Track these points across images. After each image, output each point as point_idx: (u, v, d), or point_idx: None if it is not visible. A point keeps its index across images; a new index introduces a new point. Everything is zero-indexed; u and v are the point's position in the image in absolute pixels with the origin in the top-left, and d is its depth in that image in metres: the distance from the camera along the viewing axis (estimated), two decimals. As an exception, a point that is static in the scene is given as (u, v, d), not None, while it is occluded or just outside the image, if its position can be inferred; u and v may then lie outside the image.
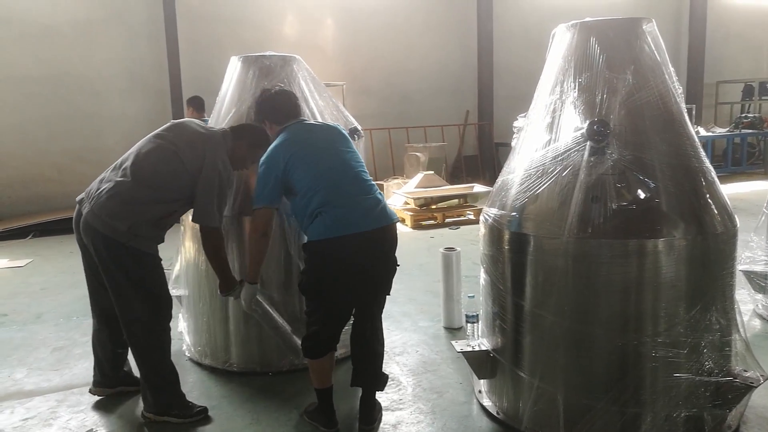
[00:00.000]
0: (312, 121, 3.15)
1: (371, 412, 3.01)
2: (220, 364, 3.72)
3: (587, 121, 2.70)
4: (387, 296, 3.08)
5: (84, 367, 3.87)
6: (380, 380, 3.07)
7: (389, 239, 2.91)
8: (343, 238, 2.76)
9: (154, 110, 10.69)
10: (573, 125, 2.78)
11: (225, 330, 3.69)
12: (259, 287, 3.25)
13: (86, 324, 4.64)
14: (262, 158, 2.99)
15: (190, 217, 3.26)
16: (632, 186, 2.62)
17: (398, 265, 3.02)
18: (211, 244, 3.14)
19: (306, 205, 2.86)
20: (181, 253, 3.91)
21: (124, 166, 3.06)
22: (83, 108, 10.21)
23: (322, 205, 2.81)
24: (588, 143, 2.67)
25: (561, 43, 3.01)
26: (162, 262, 3.13)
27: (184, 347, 3.97)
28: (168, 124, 3.29)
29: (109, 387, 3.41)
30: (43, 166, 10.11)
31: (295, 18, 11.44)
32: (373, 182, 3.00)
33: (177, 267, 4.02)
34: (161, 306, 3.09)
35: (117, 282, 3.00)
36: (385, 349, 3.20)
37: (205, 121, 6.85)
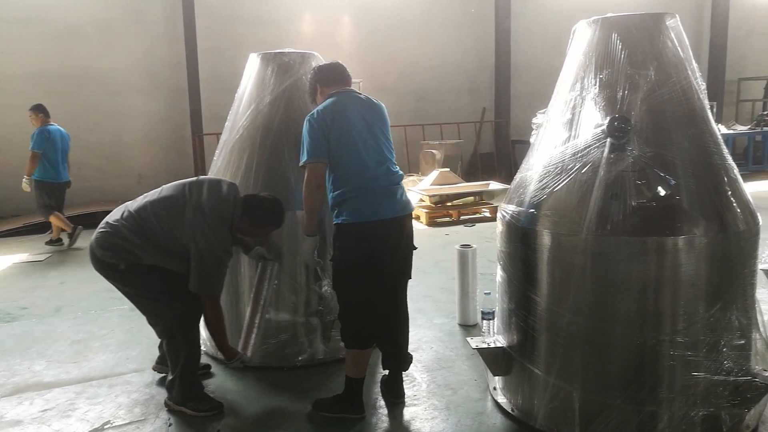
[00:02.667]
0: (362, 94, 3.19)
1: (400, 388, 3.26)
2: (236, 359, 3.74)
3: (608, 118, 2.67)
4: (409, 280, 3.25)
5: (102, 359, 3.93)
6: (406, 361, 3.29)
7: (409, 225, 3.14)
8: (375, 223, 2.93)
9: (171, 108, 10.80)
10: (593, 122, 2.75)
11: (240, 325, 3.71)
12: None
13: (104, 317, 4.72)
14: (309, 116, 3.01)
15: None
16: (653, 183, 2.59)
17: (416, 248, 3.21)
18: (205, 312, 3.13)
19: (335, 180, 2.98)
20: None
21: (136, 206, 3.14)
22: (103, 106, 10.34)
23: (354, 189, 2.94)
24: (608, 140, 2.64)
25: (582, 39, 2.98)
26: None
27: (200, 341, 3.99)
28: (194, 179, 3.26)
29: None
30: (64, 162, 10.24)
31: (312, 17, 11.47)
32: (400, 172, 3.13)
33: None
34: (166, 307, 3.11)
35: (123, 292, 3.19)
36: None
37: (50, 126, 7.30)
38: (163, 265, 3.07)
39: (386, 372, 3.31)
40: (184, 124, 10.85)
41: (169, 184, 3.24)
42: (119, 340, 4.25)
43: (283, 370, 3.63)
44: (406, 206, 3.10)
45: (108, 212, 3.25)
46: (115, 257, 3.04)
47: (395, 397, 3.23)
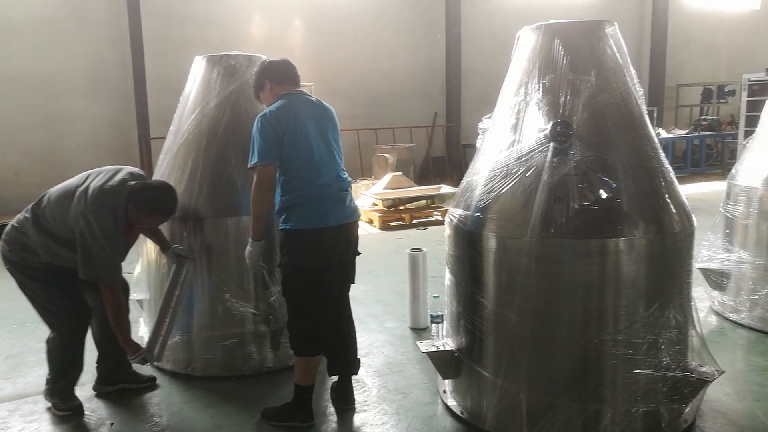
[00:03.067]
0: (312, 97, 3.13)
1: (350, 394, 3.23)
2: (181, 369, 3.65)
3: (550, 122, 2.72)
4: (352, 285, 3.25)
5: (39, 375, 3.74)
6: (356, 365, 3.26)
7: (356, 231, 3.14)
8: (324, 230, 2.89)
9: (117, 111, 10.46)
10: (537, 126, 2.80)
11: (187, 334, 3.61)
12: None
13: (42, 330, 4.45)
14: (262, 117, 2.91)
15: None
16: (594, 186, 2.65)
17: (359, 253, 3.21)
18: (103, 300, 3.05)
19: (284, 184, 2.91)
20: (142, 256, 3.83)
21: (39, 198, 3.14)
22: (43, 108, 9.92)
23: (305, 195, 2.89)
24: (551, 144, 2.69)
25: (526, 45, 3.03)
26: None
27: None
28: (100, 168, 3.21)
29: (111, 384, 3.46)
30: (1, 167, 9.80)
31: (263, 19, 11.33)
32: (349, 178, 3.12)
33: (137, 270, 3.93)
34: (48, 314, 3.16)
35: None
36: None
37: None
38: (57, 261, 3.01)
39: (335, 378, 3.27)
40: (131, 128, 10.53)
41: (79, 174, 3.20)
42: (58, 352, 4.07)
43: (231, 380, 3.55)
44: (354, 212, 3.09)
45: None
46: (12, 253, 3.04)
47: (345, 403, 3.20)
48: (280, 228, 2.97)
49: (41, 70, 9.85)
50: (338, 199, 2.99)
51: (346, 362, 3.22)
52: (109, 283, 3.00)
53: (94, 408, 3.28)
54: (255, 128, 2.92)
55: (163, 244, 3.47)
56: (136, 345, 3.18)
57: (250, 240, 3.02)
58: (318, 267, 2.92)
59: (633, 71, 2.98)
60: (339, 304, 3.14)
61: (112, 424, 3.11)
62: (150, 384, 3.52)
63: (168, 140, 3.89)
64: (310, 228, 2.89)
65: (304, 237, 2.90)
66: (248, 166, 2.94)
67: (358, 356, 3.32)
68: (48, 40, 9.88)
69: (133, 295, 3.87)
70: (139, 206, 3.05)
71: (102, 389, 3.43)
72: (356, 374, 3.30)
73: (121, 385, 3.45)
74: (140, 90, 10.39)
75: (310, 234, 2.89)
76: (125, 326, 3.14)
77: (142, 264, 3.86)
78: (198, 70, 3.86)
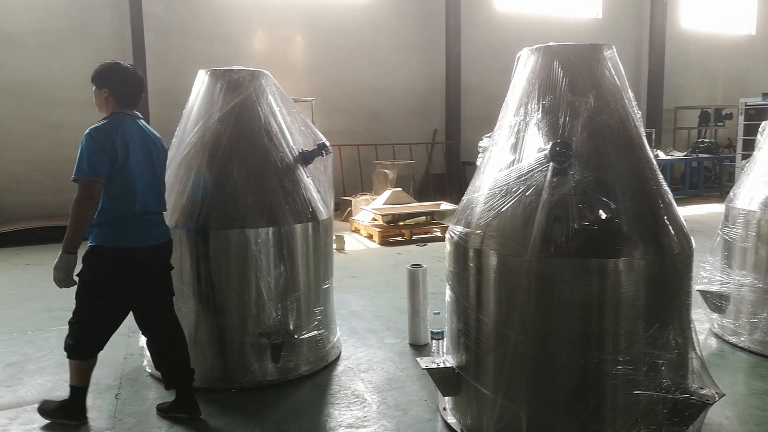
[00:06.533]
0: (142, 120, 3.25)
1: (193, 403, 3.27)
2: (180, 381, 3.64)
3: (550, 143, 2.75)
4: (173, 296, 3.35)
5: (39, 383, 3.75)
6: (191, 371, 3.33)
7: (164, 252, 3.25)
8: (135, 250, 3.03)
9: (118, 122, 10.51)
10: (536, 146, 2.83)
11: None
12: None
13: (42, 338, 4.51)
14: (95, 131, 2.95)
15: None
16: (594, 206, 2.68)
17: (172, 267, 3.35)
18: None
19: (103, 202, 2.98)
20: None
21: None
22: (44, 118, 9.98)
23: (116, 216, 3.00)
24: (551, 164, 2.72)
25: (525, 66, 3.08)
26: None
27: (145, 362, 3.87)
28: None
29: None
30: (1, 175, 9.82)
31: (264, 34, 11.45)
32: (164, 207, 3.28)
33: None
34: None
35: None
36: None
37: None
38: None
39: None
40: (132, 140, 10.58)
41: None
42: (57, 362, 4.05)
43: (230, 392, 3.54)
44: (164, 234, 3.22)
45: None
46: None
47: (189, 412, 3.25)
48: (89, 243, 3.03)
49: (42, 80, 9.93)
50: (150, 222, 3.12)
51: (177, 374, 3.28)
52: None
53: (93, 417, 3.26)
54: (85, 141, 2.93)
55: None
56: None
57: (60, 253, 2.93)
58: (115, 285, 3.02)
59: (631, 94, 3.02)
60: (162, 319, 3.25)
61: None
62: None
63: (170, 152, 3.91)
64: (114, 247, 2.99)
65: (108, 255, 2.99)
66: (73, 178, 2.93)
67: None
68: (50, 51, 9.96)
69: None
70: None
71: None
72: (192, 382, 3.31)
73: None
74: (143, 102, 10.41)
75: (115, 253, 2.99)
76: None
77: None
78: (201, 83, 3.91)
